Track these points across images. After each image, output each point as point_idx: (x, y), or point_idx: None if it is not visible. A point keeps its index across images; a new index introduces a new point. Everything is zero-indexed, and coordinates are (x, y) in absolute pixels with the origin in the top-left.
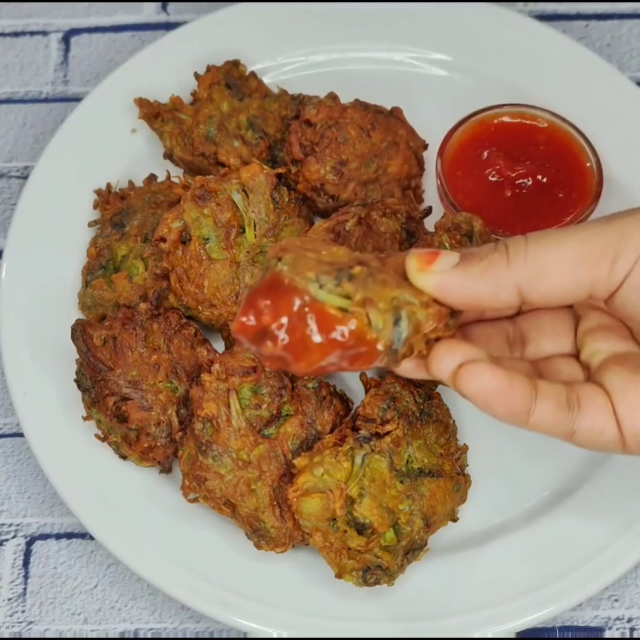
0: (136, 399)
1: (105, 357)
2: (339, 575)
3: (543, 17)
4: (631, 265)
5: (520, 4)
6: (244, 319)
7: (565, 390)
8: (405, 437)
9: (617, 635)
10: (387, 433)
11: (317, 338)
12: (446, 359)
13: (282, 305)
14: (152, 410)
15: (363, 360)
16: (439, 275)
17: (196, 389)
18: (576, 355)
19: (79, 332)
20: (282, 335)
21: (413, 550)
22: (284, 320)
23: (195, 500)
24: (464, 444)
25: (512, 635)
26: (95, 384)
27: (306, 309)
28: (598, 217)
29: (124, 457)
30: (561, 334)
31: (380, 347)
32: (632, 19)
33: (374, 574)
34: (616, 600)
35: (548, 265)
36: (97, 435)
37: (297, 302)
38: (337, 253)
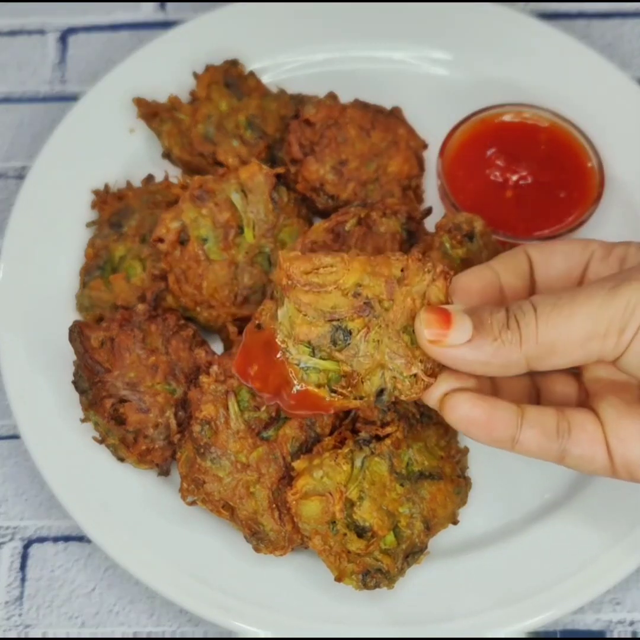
0: (134, 401)
1: (102, 358)
2: (338, 579)
3: (544, 16)
4: (634, 334)
5: (522, 3)
6: (238, 366)
7: (555, 417)
8: (406, 440)
9: (619, 638)
10: (387, 435)
11: (301, 412)
12: (434, 388)
13: (271, 378)
14: (150, 412)
15: (351, 411)
16: (452, 350)
17: (194, 391)
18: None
19: (77, 333)
20: (269, 400)
21: (413, 553)
22: (269, 393)
23: (193, 503)
24: (465, 447)
25: None
26: (92, 386)
27: (294, 387)
28: (601, 280)
29: (121, 460)
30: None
31: (364, 407)
32: (634, 18)
33: (374, 577)
34: (618, 604)
35: (558, 343)
36: (94, 438)
37: (285, 376)
38: (347, 283)
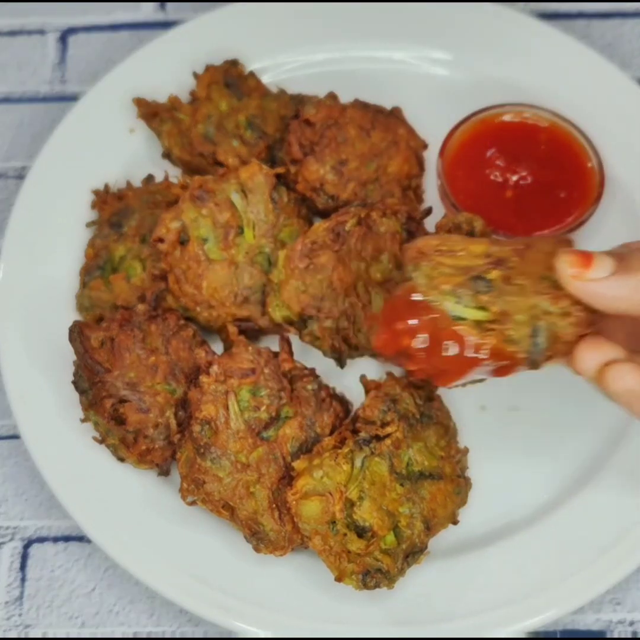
0: (134, 401)
1: (102, 358)
2: (338, 579)
3: (544, 16)
4: None
5: (522, 3)
6: (383, 337)
7: None
8: (406, 440)
9: (619, 638)
10: (387, 435)
11: (456, 359)
12: (590, 358)
13: (419, 327)
14: (150, 412)
15: (503, 371)
16: (596, 283)
17: (194, 391)
18: None
19: (77, 333)
20: (421, 355)
21: (413, 553)
22: (422, 342)
23: (193, 503)
24: (465, 447)
25: None
26: (92, 386)
27: (444, 331)
28: None
29: (121, 460)
30: None
31: (519, 358)
32: (634, 18)
33: (374, 577)
34: (618, 604)
35: None
36: (94, 438)
37: (434, 323)
38: (475, 251)
